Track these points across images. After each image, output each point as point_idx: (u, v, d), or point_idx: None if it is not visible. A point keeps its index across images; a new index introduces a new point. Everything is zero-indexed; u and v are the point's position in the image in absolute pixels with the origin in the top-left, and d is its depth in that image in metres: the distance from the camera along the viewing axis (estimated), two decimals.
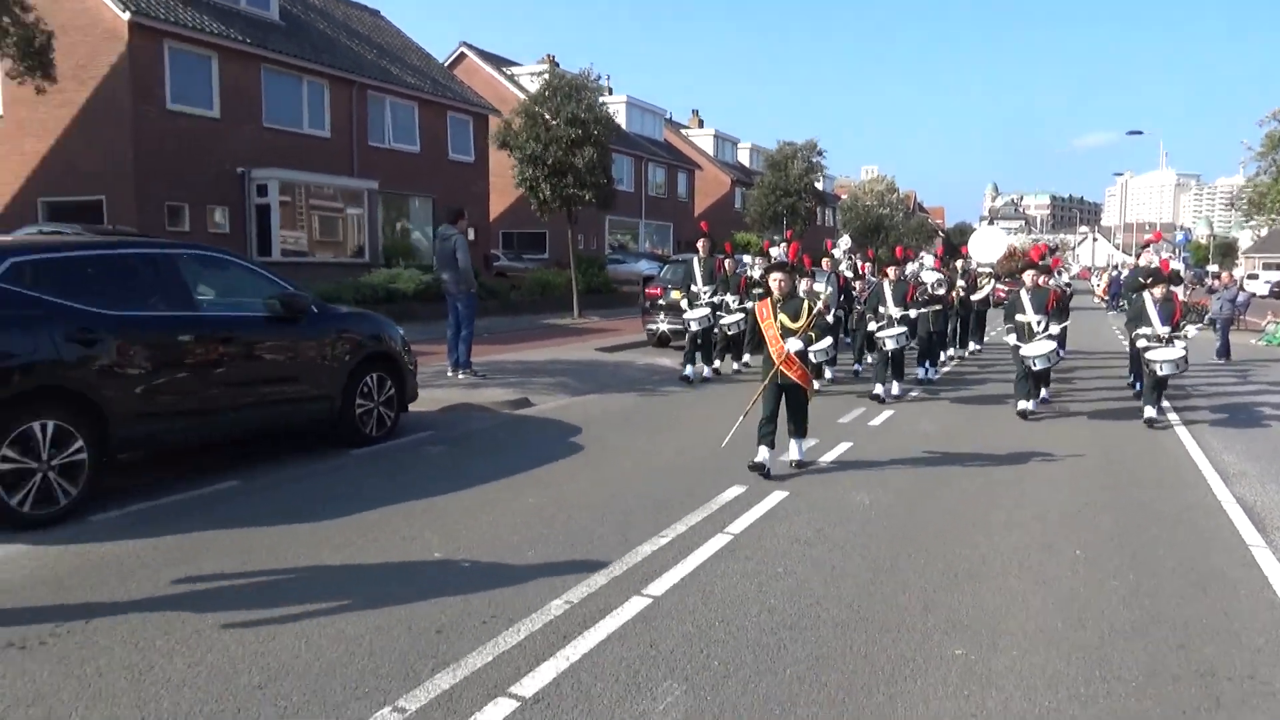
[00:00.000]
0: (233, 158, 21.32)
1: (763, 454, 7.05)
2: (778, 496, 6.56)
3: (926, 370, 13.16)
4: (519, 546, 5.33)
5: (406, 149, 26.87)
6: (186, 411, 6.27)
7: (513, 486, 6.71)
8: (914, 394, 12.09)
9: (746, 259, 14.69)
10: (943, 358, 15.01)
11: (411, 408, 8.63)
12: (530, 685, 3.63)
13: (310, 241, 23.43)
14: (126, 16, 18.45)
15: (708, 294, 12.44)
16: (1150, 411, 9.87)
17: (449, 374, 11.63)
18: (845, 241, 19.43)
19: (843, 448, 8.37)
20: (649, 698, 3.57)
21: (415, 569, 4.93)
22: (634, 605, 4.48)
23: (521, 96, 36.19)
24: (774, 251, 15.14)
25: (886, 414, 10.44)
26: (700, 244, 12.96)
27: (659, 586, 4.74)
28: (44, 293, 5.49)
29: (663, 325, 16.22)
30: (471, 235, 14.02)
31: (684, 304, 12.54)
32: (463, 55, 37.09)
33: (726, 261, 13.22)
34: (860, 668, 3.90)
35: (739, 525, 5.86)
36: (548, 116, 20.45)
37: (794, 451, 7.44)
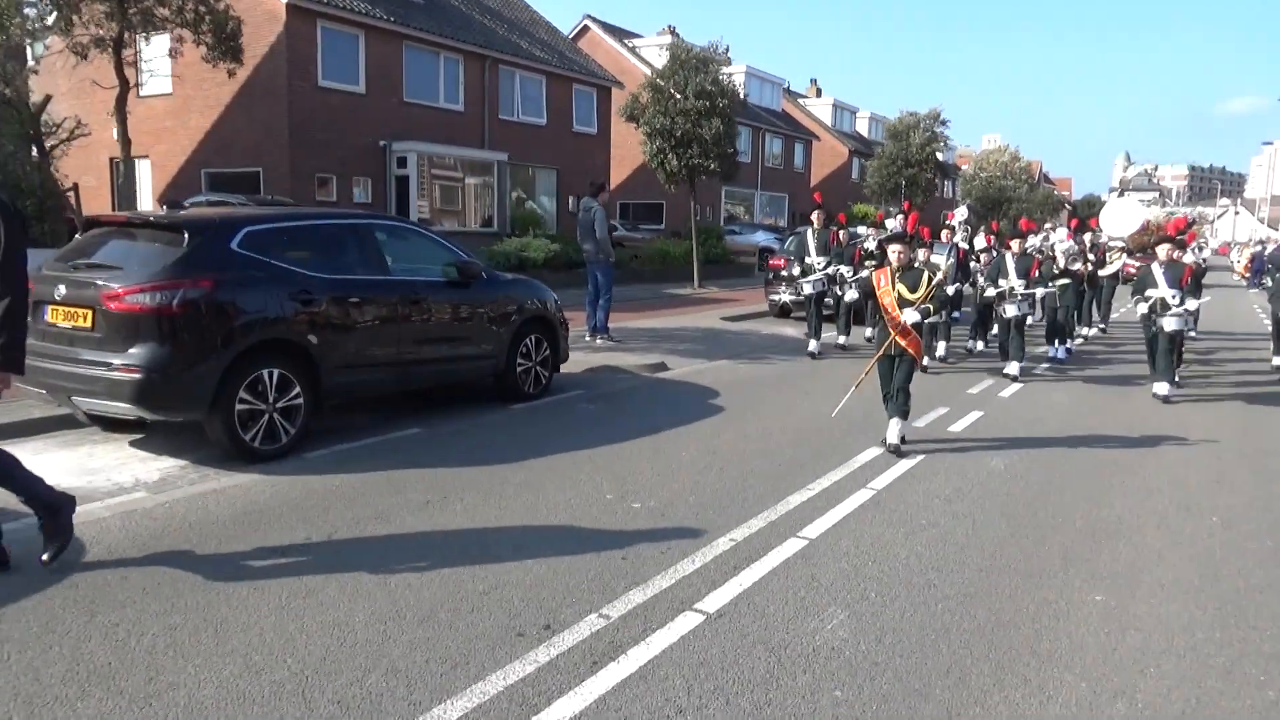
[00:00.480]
0: (375, 131, 22.54)
1: (894, 429, 7.12)
2: (915, 459, 6.94)
3: (1055, 349, 12.77)
4: (680, 493, 5.89)
5: (533, 121, 27.72)
6: (381, 364, 7.07)
7: (665, 440, 7.29)
8: (1039, 370, 11.88)
9: (862, 230, 14.47)
10: (1076, 336, 14.41)
11: (560, 368, 9.31)
12: (712, 603, 4.19)
13: (443, 211, 24.58)
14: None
15: (821, 265, 12.44)
16: None
17: (586, 338, 12.31)
18: (961, 212, 18.74)
19: (973, 416, 8.63)
20: (816, 619, 4.08)
21: (592, 507, 5.55)
22: (792, 545, 4.99)
23: (643, 69, 36.84)
24: (889, 223, 15.13)
25: (1015, 387, 10.48)
26: (814, 215, 12.93)
27: (812, 530, 5.23)
28: (271, 257, 6.32)
29: (785, 296, 16.52)
30: (605, 198, 14.48)
31: (797, 273, 12.68)
32: (586, 28, 37.73)
33: (841, 233, 13.18)
34: (1005, 606, 4.31)
35: (880, 482, 6.29)
36: (674, 91, 20.85)
37: (892, 433, 7.11)
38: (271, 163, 21.04)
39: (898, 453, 6.99)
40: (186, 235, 6.01)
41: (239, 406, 6.01)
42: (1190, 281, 10.58)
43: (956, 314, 14.24)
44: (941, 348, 12.38)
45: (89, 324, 5.83)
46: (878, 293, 7.22)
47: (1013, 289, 11.27)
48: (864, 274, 11.90)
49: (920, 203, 36.80)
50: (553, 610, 4.05)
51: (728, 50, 21.87)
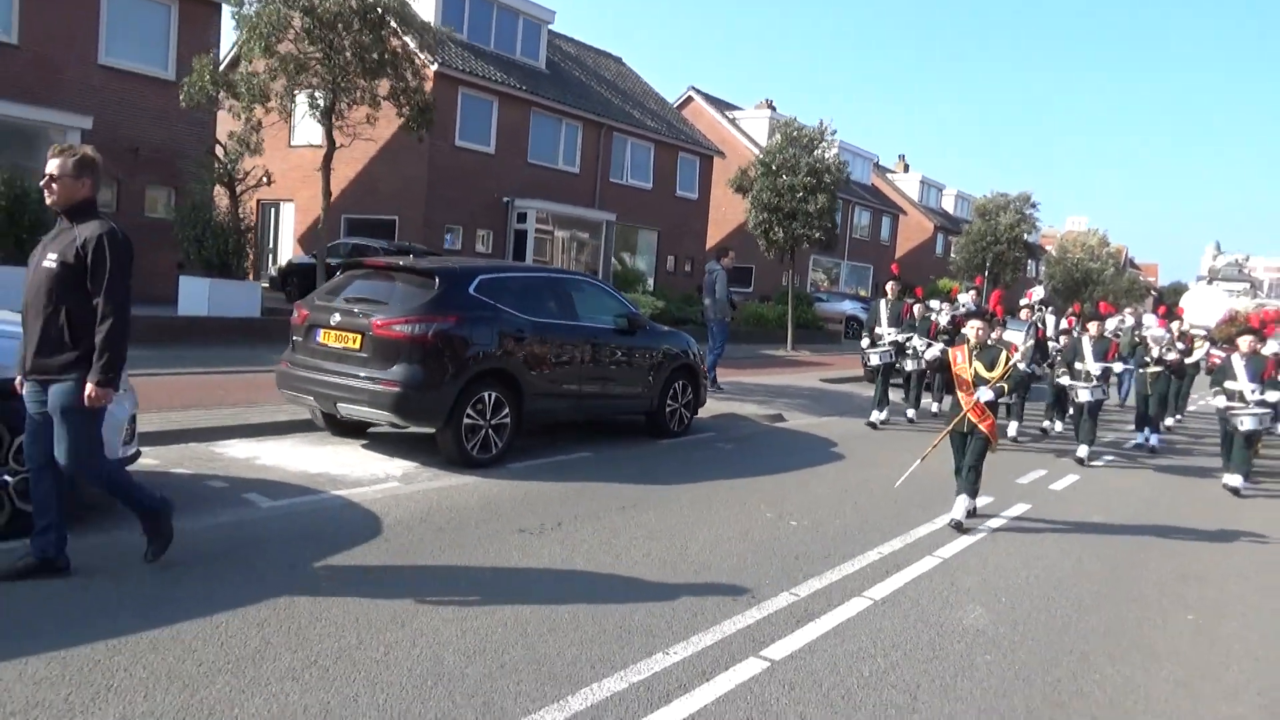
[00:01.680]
0: (500, 188, 24.45)
1: (960, 506, 7.11)
2: (1021, 508, 7.96)
3: (1146, 435, 12.58)
4: (824, 518, 7.03)
5: (640, 185, 29.48)
6: (566, 395, 8.41)
7: (802, 475, 8.46)
8: (1108, 458, 11.52)
9: (934, 304, 14.47)
10: (1168, 423, 14.30)
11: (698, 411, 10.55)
12: (878, 592, 5.32)
13: (556, 264, 26.29)
14: (434, 68, 21.80)
15: (892, 335, 12.41)
16: None
17: None
18: (1039, 292, 18.31)
19: (1041, 498, 8.52)
20: (960, 609, 5.18)
21: (756, 522, 6.73)
22: (928, 562, 6.08)
23: (741, 139, 38.61)
24: (962, 298, 15.33)
25: (1069, 479, 9.76)
26: (889, 286, 13.03)
27: (946, 551, 6.33)
28: (497, 302, 7.73)
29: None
30: (729, 263, 15.74)
31: (866, 344, 12.70)
32: (690, 99, 39.72)
33: (916, 306, 13.32)
34: (1113, 617, 5.34)
35: (996, 521, 7.34)
36: (780, 169, 22.23)
37: (959, 509, 7.08)
38: (408, 212, 23.02)
39: (959, 529, 6.92)
40: (437, 280, 7.47)
41: (465, 421, 7.37)
42: (1274, 375, 10.14)
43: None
44: (1013, 428, 12.33)
45: (358, 346, 7.28)
46: (954, 369, 7.28)
47: (1088, 373, 11.09)
48: (935, 348, 11.74)
49: (1007, 281, 37.52)
50: (754, 588, 5.22)
51: (835, 132, 23.21)
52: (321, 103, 13.24)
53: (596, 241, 27.66)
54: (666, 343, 9.76)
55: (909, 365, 12.66)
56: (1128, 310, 26.86)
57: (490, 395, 7.55)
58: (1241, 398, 9.88)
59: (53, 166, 4.29)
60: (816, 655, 4.36)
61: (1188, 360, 15.43)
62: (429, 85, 20.03)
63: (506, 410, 7.71)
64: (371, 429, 8.51)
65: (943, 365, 7.61)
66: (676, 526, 6.37)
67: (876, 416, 12.15)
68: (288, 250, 25.90)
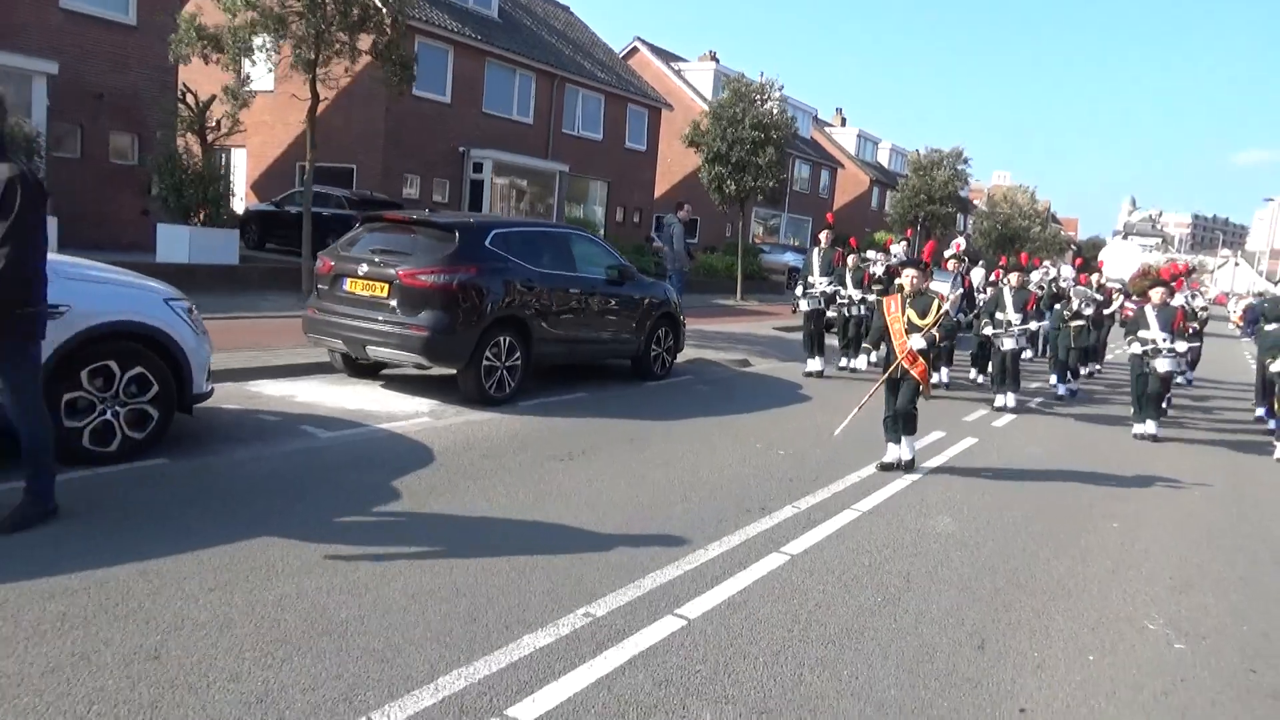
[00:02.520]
0: (456, 138, 24.70)
1: (891, 452, 7.49)
2: (910, 479, 9.00)
3: (1058, 385, 13.01)
4: (806, 449, 8.00)
5: (591, 136, 29.92)
6: (566, 340, 9.21)
7: (776, 415, 9.43)
8: (1033, 404, 12.01)
9: (870, 254, 14.64)
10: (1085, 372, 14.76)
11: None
12: (864, 506, 6.32)
13: (509, 215, 26.71)
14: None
15: (823, 284, 12.39)
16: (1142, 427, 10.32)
17: None
18: (964, 243, 18.71)
19: (966, 443, 8.93)
20: (931, 519, 6.21)
21: (749, 452, 7.66)
22: (900, 483, 7.11)
23: (687, 91, 39.10)
24: (894, 249, 15.82)
25: (1007, 419, 10.62)
26: (823, 235, 12.95)
27: (912, 477, 7.36)
28: (509, 254, 8.45)
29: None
30: (685, 215, 16.54)
31: (799, 292, 12.62)
32: (635, 49, 39.96)
33: (850, 256, 13.31)
34: (1053, 525, 6.44)
35: (949, 454, 8.43)
36: (730, 123, 22.97)
37: (905, 450, 7.47)
38: (365, 161, 23.18)
39: (901, 468, 7.38)
40: (457, 234, 8.14)
41: (484, 363, 8.13)
42: (1182, 325, 10.68)
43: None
44: (944, 373, 12.67)
45: (385, 294, 7.94)
46: (887, 318, 7.50)
47: (1009, 322, 11.48)
48: (869, 298, 12.65)
49: (938, 234, 39.08)
50: (763, 502, 6.16)
51: (782, 87, 24.00)
52: (307, 55, 13.47)
53: (549, 192, 28.12)
54: (652, 292, 10.57)
55: (804, 305, 12.43)
56: (1047, 262, 28.38)
57: (505, 339, 8.31)
58: (1155, 347, 10.24)
59: None
60: (825, 551, 5.33)
61: (1105, 311, 15.99)
62: (413, 43, 20.25)
63: (519, 354, 8.48)
64: (385, 370, 9.20)
65: (878, 315, 7.76)
66: (682, 455, 7.27)
67: (813, 365, 12.31)
68: (241, 196, 25.80)
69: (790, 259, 35.21)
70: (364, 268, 8.09)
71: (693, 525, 5.49)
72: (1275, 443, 10.23)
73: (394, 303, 7.91)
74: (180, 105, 16.11)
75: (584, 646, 3.77)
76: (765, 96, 23.46)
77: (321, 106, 23.82)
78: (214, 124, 16.23)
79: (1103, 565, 5.65)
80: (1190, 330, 14.48)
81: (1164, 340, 10.19)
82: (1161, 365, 10.15)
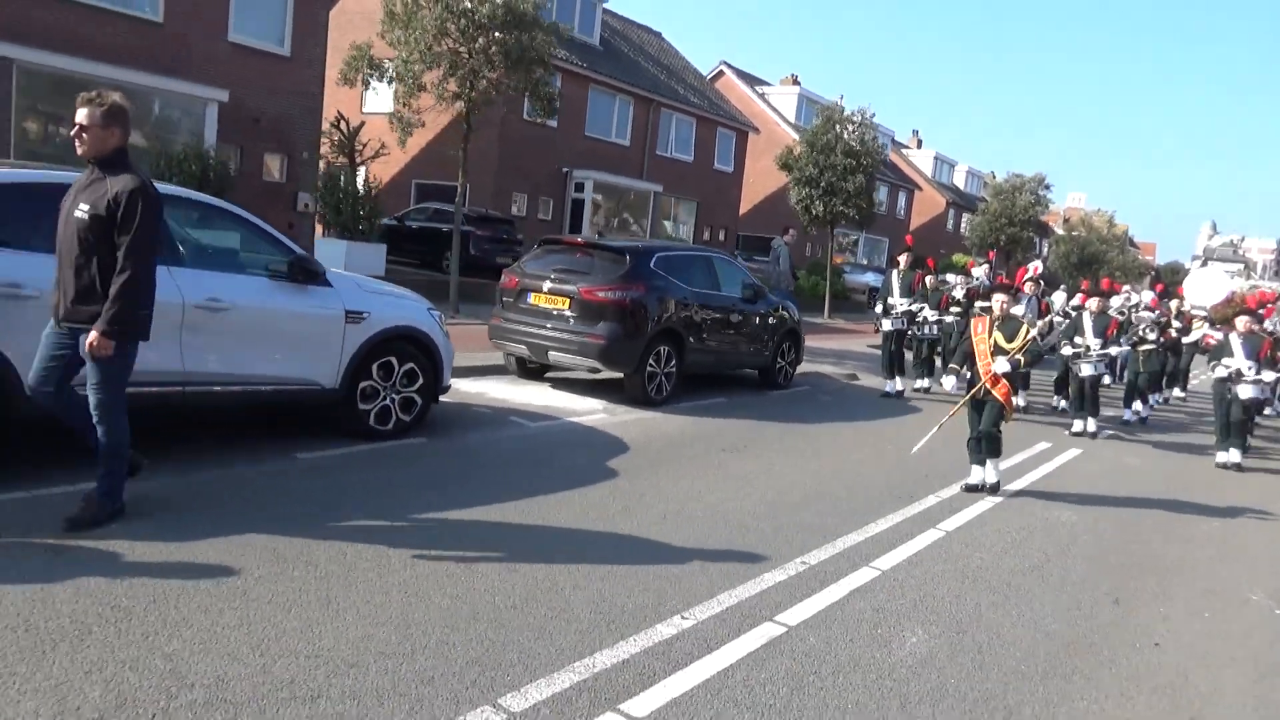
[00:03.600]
0: (560, 159, 26.22)
1: (975, 474, 7.57)
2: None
3: (1129, 412, 12.88)
4: (935, 451, 9.05)
5: (683, 158, 31.23)
6: (712, 351, 10.41)
7: (895, 423, 10.49)
8: (1108, 433, 11.73)
9: (950, 278, 14.54)
10: (1151, 402, 14.08)
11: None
12: (953, 524, 7.36)
13: (607, 232, 28.13)
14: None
15: (903, 305, 12.59)
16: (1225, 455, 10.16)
17: None
18: (1035, 266, 17.37)
19: (1044, 470, 8.86)
20: (1056, 511, 7.23)
21: (887, 451, 8.75)
22: (1023, 481, 8.12)
23: (770, 113, 40.23)
24: (976, 271, 15.81)
25: (1085, 444, 10.57)
26: (902, 257, 13.20)
27: (1035, 474, 8.37)
28: (669, 274, 9.69)
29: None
30: (790, 239, 17.70)
31: (879, 311, 12.88)
32: (721, 73, 41.28)
33: (927, 277, 13.32)
34: (1161, 524, 7.40)
35: (1059, 462, 9.39)
36: (823, 149, 24.04)
37: (990, 473, 7.54)
38: (478, 180, 24.72)
39: (986, 490, 7.47)
40: (628, 257, 9.42)
41: (648, 368, 9.37)
42: (1270, 355, 10.36)
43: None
44: (1021, 398, 12.34)
45: (567, 307, 9.23)
46: (974, 339, 7.57)
47: (1088, 347, 11.36)
48: (946, 319, 12.87)
49: (1019, 259, 39.49)
50: (911, 492, 7.26)
51: (874, 115, 25.01)
52: (466, 92, 14.94)
53: (644, 211, 29.48)
54: (779, 308, 11.73)
55: (886, 326, 12.61)
56: (1127, 287, 28.62)
57: (664, 349, 9.55)
58: (1239, 374, 10.09)
59: (81, 116, 4.24)
60: (974, 528, 6.42)
61: (1185, 339, 15.76)
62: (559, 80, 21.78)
63: (674, 362, 9.71)
64: (549, 374, 10.50)
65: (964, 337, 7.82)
66: (831, 449, 8.41)
67: (892, 386, 12.44)
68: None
69: (870, 279, 36.05)
70: (547, 284, 9.41)
71: (860, 505, 6.62)
72: None
73: (574, 315, 9.20)
74: (334, 130, 17.75)
75: (811, 581, 4.93)
76: (857, 124, 24.51)
77: (437, 131, 25.71)
78: (360, 147, 17.84)
79: (1208, 553, 6.63)
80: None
81: (1249, 369, 10.04)
82: (1245, 391, 10.02)
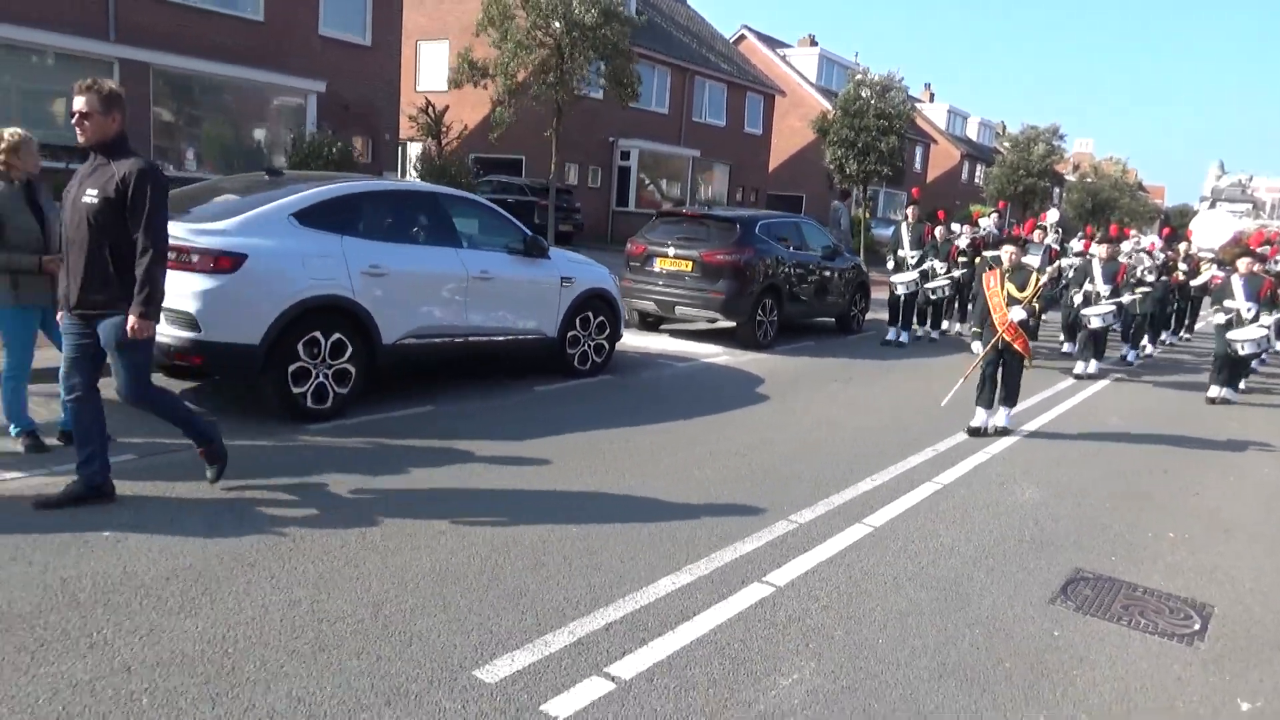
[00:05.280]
0: (607, 130, 27.90)
1: (979, 417, 7.91)
2: (1008, 442, 11.70)
3: (1130, 354, 13.23)
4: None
5: (715, 123, 32.86)
6: (803, 302, 12.31)
7: (948, 361, 12.37)
8: (1117, 375, 12.16)
9: (956, 227, 14.69)
10: (1150, 345, 14.24)
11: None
12: (950, 476, 9.28)
13: (647, 196, 29.90)
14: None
15: (914, 259, 12.99)
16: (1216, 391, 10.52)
17: None
18: (1054, 214, 18.51)
19: (1058, 410, 9.51)
20: (1016, 491, 9.15)
21: (941, 389, 10.66)
22: (1006, 442, 10.03)
23: (792, 74, 41.62)
24: (984, 222, 16.45)
25: (1087, 391, 10.81)
26: (909, 210, 13.60)
27: (1013, 439, 10.28)
28: (770, 239, 11.57)
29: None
30: (848, 203, 19.47)
31: (890, 266, 13.28)
32: (743, 37, 42.62)
33: (937, 229, 13.45)
34: (1154, 462, 9.32)
35: (1053, 413, 11.29)
36: (858, 113, 25.69)
37: (1001, 418, 7.97)
38: (534, 153, 26.49)
39: (994, 433, 7.87)
40: (738, 225, 11.29)
41: (758, 318, 11.29)
42: (1270, 295, 10.53)
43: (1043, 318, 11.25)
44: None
45: (690, 269, 11.12)
46: (987, 292, 7.81)
47: (1098, 294, 11.65)
48: (955, 273, 13.22)
49: (1036, 208, 41.10)
50: (943, 428, 9.17)
51: (903, 79, 26.61)
52: (559, 84, 16.71)
53: (683, 175, 31.20)
54: (851, 265, 13.59)
55: (936, 293, 13.12)
56: (1135, 233, 30.10)
57: (769, 301, 11.45)
58: (1239, 316, 10.31)
59: (80, 104, 4.23)
60: (967, 481, 8.35)
61: (1194, 282, 15.92)
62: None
63: (776, 312, 11.62)
64: (664, 325, 12.41)
65: (978, 288, 8.15)
66: (907, 385, 10.29)
67: (895, 335, 13.00)
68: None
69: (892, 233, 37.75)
70: (671, 250, 11.30)
71: (927, 432, 8.54)
72: None
73: (696, 275, 11.10)
74: (421, 114, 19.53)
75: (897, 484, 6.88)
76: (887, 88, 26.12)
77: (488, 103, 27.40)
78: (445, 129, 19.62)
79: (1190, 487, 8.55)
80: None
81: (1249, 310, 10.27)
82: (1245, 348, 10.29)
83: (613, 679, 3.36)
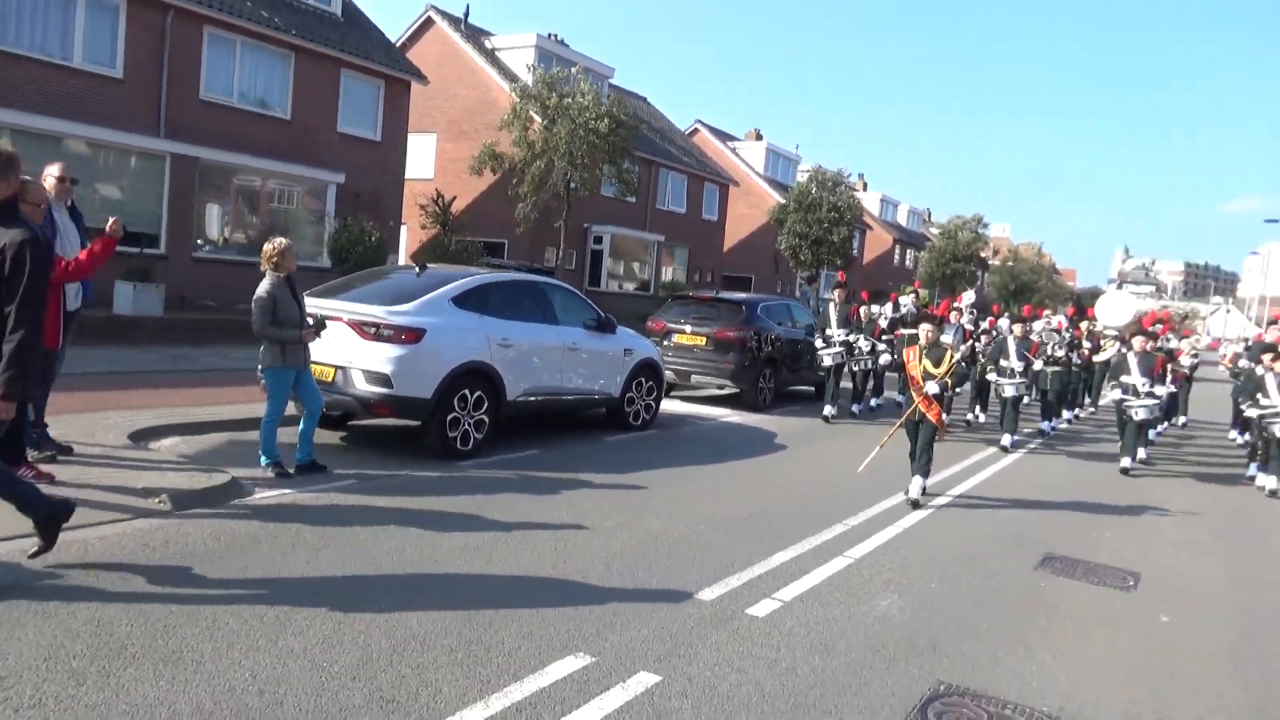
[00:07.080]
0: (582, 217, 30.32)
1: (916, 485, 8.30)
2: (928, 511, 14.02)
3: (1046, 424, 14.17)
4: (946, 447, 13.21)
5: (677, 210, 35.65)
6: (792, 372, 14.56)
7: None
8: (1032, 446, 13.03)
9: (876, 308, 15.65)
10: (1066, 415, 15.57)
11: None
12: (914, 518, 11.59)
13: (614, 277, 32.29)
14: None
15: (840, 335, 13.54)
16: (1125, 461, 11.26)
17: None
18: (969, 296, 19.47)
19: (976, 479, 10.00)
20: (999, 511, 11.46)
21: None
22: (926, 510, 12.35)
23: (741, 166, 44.99)
24: (902, 300, 17.54)
25: (1012, 457, 11.78)
26: (837, 292, 14.29)
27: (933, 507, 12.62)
28: (770, 319, 13.85)
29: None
30: (811, 287, 21.95)
31: (820, 344, 13.65)
32: (697, 129, 46.00)
33: (861, 309, 14.43)
34: (1075, 525, 11.69)
35: (965, 486, 13.69)
36: (810, 206, 28.65)
37: (914, 489, 8.23)
38: (515, 238, 28.74)
39: (916, 505, 8.14)
40: (743, 307, 13.56)
41: (760, 384, 13.49)
42: (1162, 371, 11.37)
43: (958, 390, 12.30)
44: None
45: (704, 343, 13.32)
46: (907, 366, 8.33)
47: (1012, 369, 12.55)
48: (879, 348, 13.96)
49: (961, 289, 44.78)
50: (967, 453, 11.42)
51: (851, 175, 29.73)
52: (565, 179, 19.02)
53: (649, 258, 33.74)
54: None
55: (828, 360, 13.45)
56: (1047, 312, 33.29)
57: (768, 371, 13.68)
58: (1135, 390, 11.12)
59: None
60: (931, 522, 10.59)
61: (1097, 358, 16.98)
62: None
63: (773, 380, 13.85)
64: (674, 392, 14.51)
65: (899, 365, 8.67)
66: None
67: (829, 410, 13.33)
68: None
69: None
70: (689, 327, 13.50)
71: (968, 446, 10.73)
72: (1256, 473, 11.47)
73: (709, 348, 13.30)
74: (430, 204, 21.64)
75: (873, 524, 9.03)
76: (838, 185, 29.21)
77: (478, 194, 29.66)
78: (450, 220, 21.74)
79: (1112, 541, 10.90)
80: (1177, 375, 15.44)
81: (1143, 385, 11.07)
82: (1138, 414, 11.11)
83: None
